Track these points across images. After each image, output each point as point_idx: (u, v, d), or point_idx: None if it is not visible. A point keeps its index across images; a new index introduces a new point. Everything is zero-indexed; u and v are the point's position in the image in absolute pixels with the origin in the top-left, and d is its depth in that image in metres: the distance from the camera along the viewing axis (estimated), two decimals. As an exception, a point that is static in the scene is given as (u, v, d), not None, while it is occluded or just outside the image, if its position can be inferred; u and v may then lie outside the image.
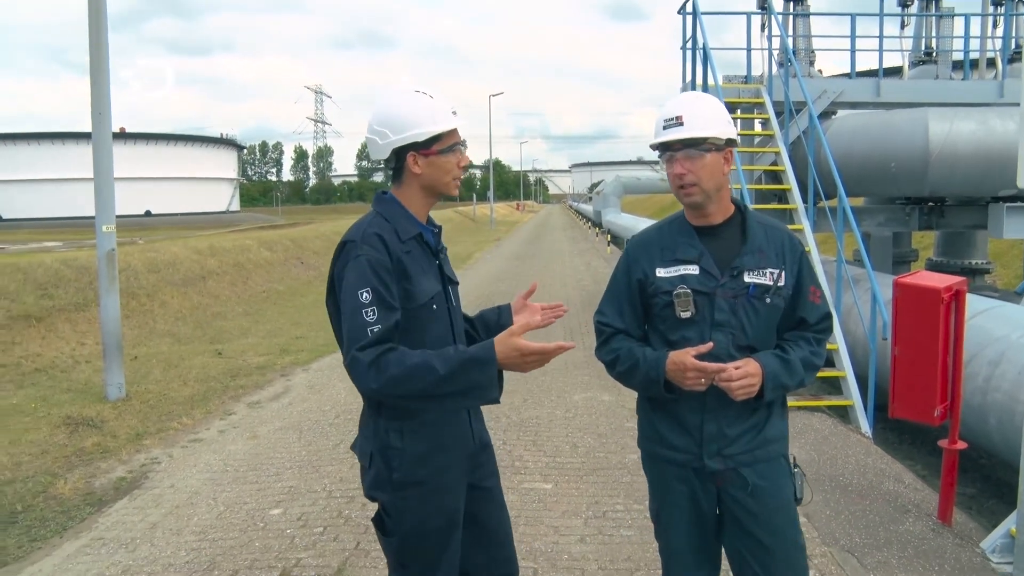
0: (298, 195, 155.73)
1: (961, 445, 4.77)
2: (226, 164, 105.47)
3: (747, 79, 10.83)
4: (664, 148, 2.49)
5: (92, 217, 8.10)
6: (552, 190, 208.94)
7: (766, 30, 10.88)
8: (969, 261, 11.06)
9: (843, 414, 7.37)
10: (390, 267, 2.32)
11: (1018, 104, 3.24)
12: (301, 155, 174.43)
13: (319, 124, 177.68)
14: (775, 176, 9.83)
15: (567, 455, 6.04)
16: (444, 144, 2.41)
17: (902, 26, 12.57)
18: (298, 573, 4.16)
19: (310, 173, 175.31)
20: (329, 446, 6.33)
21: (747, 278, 2.46)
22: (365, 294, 2.27)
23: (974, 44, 11.48)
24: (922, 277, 4.93)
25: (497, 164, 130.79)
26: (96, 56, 7.98)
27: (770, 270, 2.48)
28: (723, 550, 2.66)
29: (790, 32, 11.47)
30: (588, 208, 63.33)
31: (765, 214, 2.73)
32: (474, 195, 76.77)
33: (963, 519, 4.94)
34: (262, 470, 5.82)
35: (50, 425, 7.07)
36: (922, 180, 9.19)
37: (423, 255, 2.45)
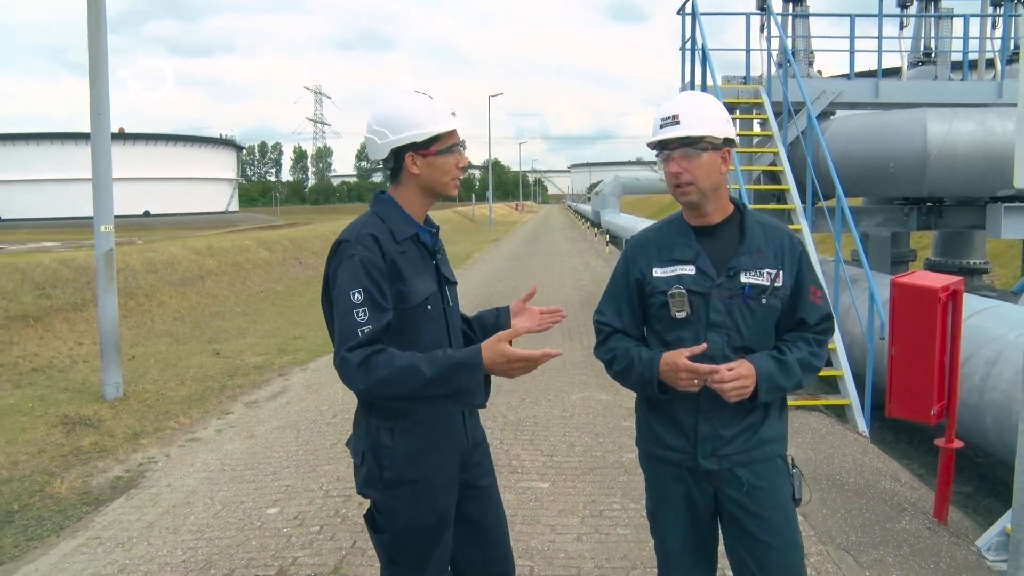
0: (297, 195, 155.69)
1: (957, 444, 4.78)
2: (225, 164, 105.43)
3: (746, 80, 10.84)
4: (661, 147, 2.48)
5: (91, 217, 8.10)
6: (551, 190, 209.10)
7: (765, 31, 10.90)
8: (967, 261, 11.07)
9: (840, 413, 7.38)
10: (383, 268, 2.33)
11: (1016, 104, 3.24)
12: (300, 155, 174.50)
13: (318, 124, 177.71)
14: (774, 176, 9.84)
15: (564, 454, 6.04)
16: (443, 145, 2.41)
17: (901, 27, 12.59)
18: (295, 572, 4.16)
19: (309, 173, 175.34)
20: (326, 445, 6.33)
21: (743, 278, 2.45)
22: (357, 294, 2.28)
23: (973, 45, 11.50)
24: (919, 277, 4.93)
25: (496, 164, 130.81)
26: (95, 56, 7.98)
27: (768, 270, 2.46)
28: (721, 549, 2.65)
29: (789, 33, 11.49)
30: (587, 208, 63.33)
31: (765, 214, 2.70)
32: (473, 195, 76.81)
33: (959, 517, 4.94)
34: (259, 469, 5.82)
35: (47, 424, 7.07)
36: (920, 180, 9.20)
37: (419, 256, 2.45)
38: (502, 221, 63.38)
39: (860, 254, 8.32)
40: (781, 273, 2.48)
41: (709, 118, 2.45)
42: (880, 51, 10.86)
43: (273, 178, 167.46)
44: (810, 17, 11.99)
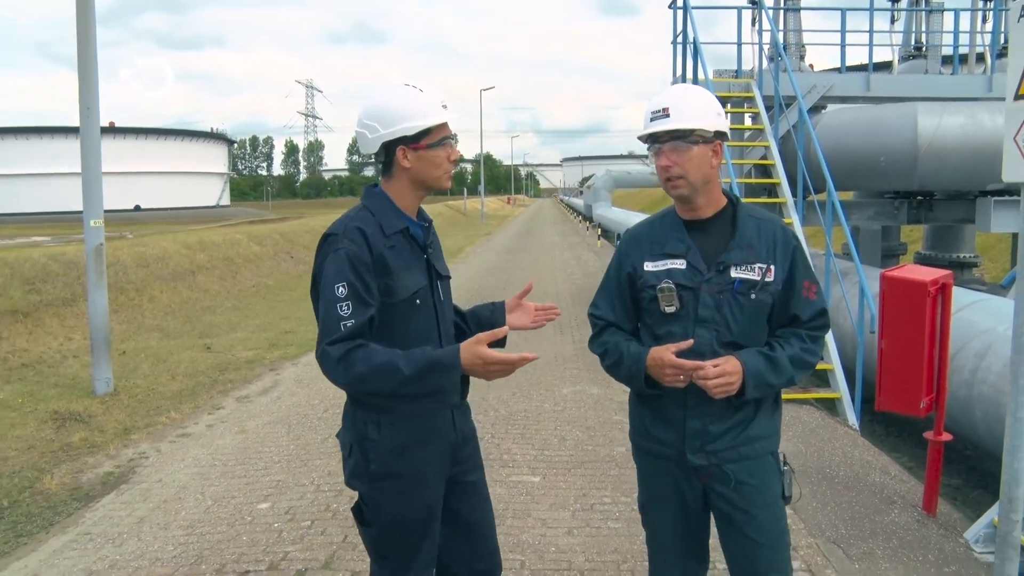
0: (288, 189, 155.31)
1: (946, 437, 4.80)
2: (216, 158, 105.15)
3: (737, 73, 10.84)
4: (651, 140, 2.47)
5: (80, 212, 8.06)
6: (543, 184, 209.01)
7: (757, 24, 10.89)
8: (957, 255, 11.11)
9: (831, 407, 7.41)
10: (369, 262, 2.33)
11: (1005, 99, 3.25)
12: (292, 149, 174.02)
13: (310, 118, 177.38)
14: (765, 170, 9.85)
15: (555, 448, 6.05)
16: (434, 138, 2.40)
17: (892, 21, 12.62)
18: (286, 566, 4.16)
19: (301, 167, 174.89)
20: (317, 440, 6.32)
21: (733, 273, 2.43)
22: (341, 288, 2.28)
23: (963, 39, 11.55)
24: (909, 270, 4.95)
25: (488, 158, 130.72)
26: (84, 50, 7.93)
27: (759, 265, 2.44)
28: (715, 543, 2.65)
29: (780, 27, 11.49)
30: (579, 202, 63.34)
31: (760, 207, 2.69)
32: (465, 189, 76.65)
33: (948, 510, 4.97)
34: (250, 464, 5.81)
35: (37, 420, 7.04)
36: (911, 174, 9.23)
37: (409, 250, 2.44)
38: (494, 215, 63.33)
39: (851, 248, 8.35)
40: (773, 268, 2.45)
41: (699, 111, 2.43)
42: (871, 45, 10.89)
43: (264, 172, 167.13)
44: (801, 11, 12.01)
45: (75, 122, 8.15)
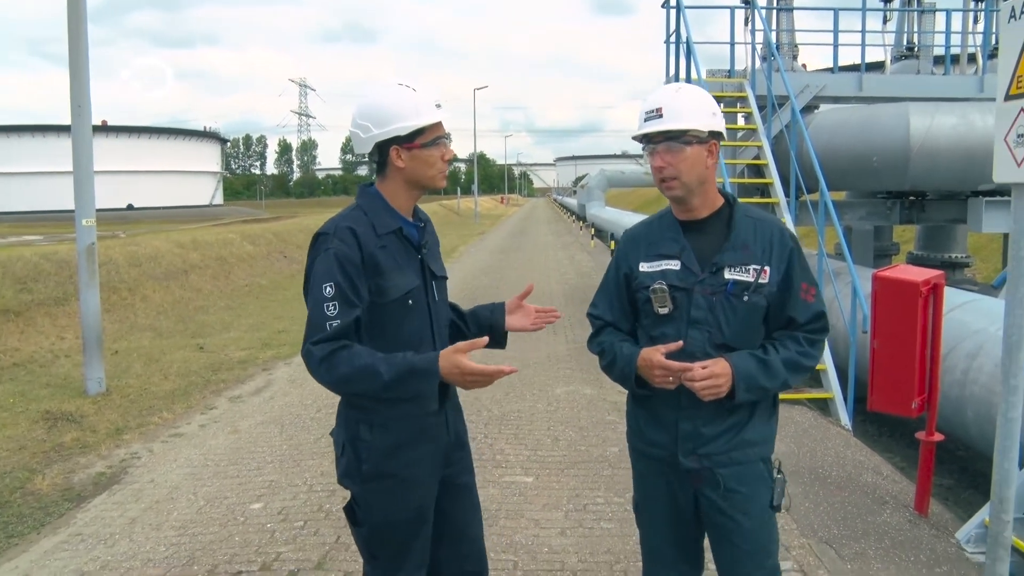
0: (282, 189, 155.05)
1: (938, 437, 4.82)
2: (209, 157, 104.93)
3: (730, 73, 10.86)
4: (646, 140, 2.45)
5: (73, 211, 8.03)
6: (537, 184, 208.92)
7: (749, 24, 10.91)
8: (949, 255, 11.15)
9: (823, 407, 7.42)
10: (358, 263, 2.33)
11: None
12: (285, 148, 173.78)
13: (303, 117, 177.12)
14: (758, 170, 9.87)
15: (548, 448, 6.05)
16: (427, 138, 2.40)
17: (884, 21, 12.68)
18: (278, 567, 4.15)
19: (294, 166, 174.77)
20: (310, 440, 6.31)
21: (727, 274, 2.41)
22: (328, 288, 2.29)
23: (955, 39, 11.57)
24: (901, 271, 4.96)
25: (482, 158, 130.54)
26: (75, 48, 7.90)
27: (753, 266, 2.41)
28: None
29: (773, 26, 11.52)
30: (572, 202, 63.31)
31: (758, 208, 2.67)
32: (458, 189, 76.66)
33: (939, 510, 4.99)
34: (243, 464, 5.80)
35: (28, 420, 7.01)
36: (903, 174, 9.25)
37: (402, 250, 2.44)
38: (487, 214, 63.31)
39: (843, 248, 8.36)
40: (768, 269, 2.41)
41: (693, 111, 2.40)
42: (863, 45, 10.93)
43: (258, 171, 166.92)
44: (794, 11, 12.04)
45: (67, 120, 8.12)
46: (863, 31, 10.88)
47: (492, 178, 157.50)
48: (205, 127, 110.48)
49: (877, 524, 4.65)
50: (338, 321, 2.27)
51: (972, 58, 11.95)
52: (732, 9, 10.89)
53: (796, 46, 11.89)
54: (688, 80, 9.98)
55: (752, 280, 2.40)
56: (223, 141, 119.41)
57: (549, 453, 5.94)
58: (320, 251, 2.36)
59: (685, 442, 2.46)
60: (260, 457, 5.95)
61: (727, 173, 9.11)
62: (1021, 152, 3.07)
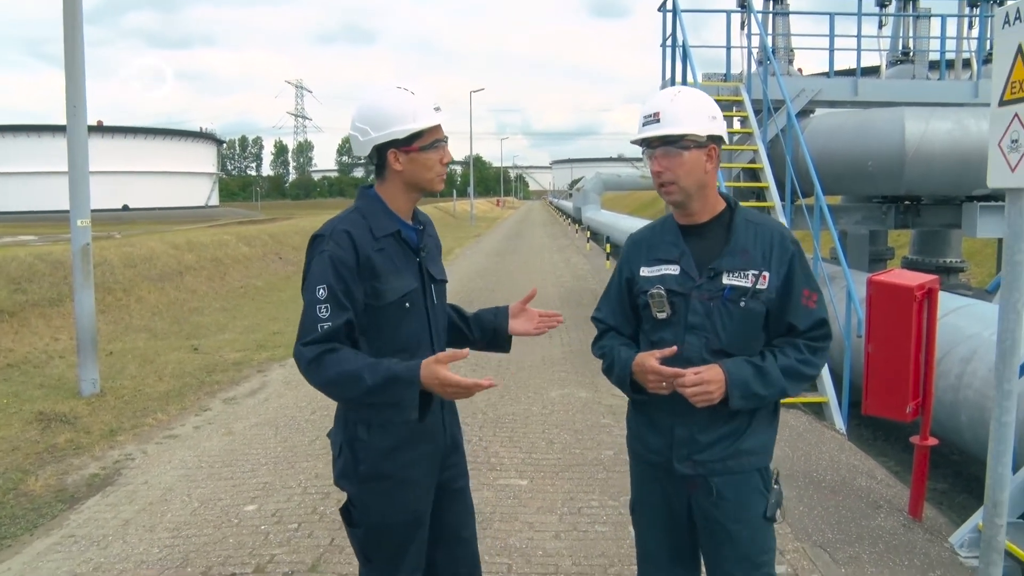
0: (278, 190, 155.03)
1: (932, 441, 4.82)
2: (205, 158, 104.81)
3: (726, 77, 10.89)
4: (644, 145, 2.45)
5: (68, 211, 8.01)
6: (532, 186, 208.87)
7: (746, 28, 10.94)
8: (944, 259, 11.18)
9: (818, 410, 7.43)
10: (353, 266, 2.33)
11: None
12: (281, 150, 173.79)
13: (300, 119, 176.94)
14: (753, 174, 9.88)
15: (543, 451, 6.04)
16: (425, 141, 2.40)
17: (880, 26, 12.71)
18: (272, 569, 4.14)
19: (290, 168, 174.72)
20: (305, 442, 6.30)
21: (725, 280, 2.38)
22: (321, 290, 2.30)
23: (950, 45, 11.62)
24: (895, 275, 4.97)
25: (478, 160, 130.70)
26: (71, 48, 7.89)
27: (751, 272, 2.38)
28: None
29: (769, 31, 11.56)
30: (568, 205, 63.40)
31: (760, 212, 2.65)
32: (454, 191, 76.59)
33: (933, 514, 5.00)
34: (237, 466, 5.79)
35: (22, 421, 6.99)
36: (898, 179, 9.28)
37: (400, 252, 2.44)
38: (483, 217, 63.30)
39: (838, 252, 8.38)
40: (767, 275, 2.38)
41: (690, 116, 2.38)
42: (859, 50, 10.97)
43: (254, 172, 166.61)
44: (790, 15, 12.08)
45: (62, 121, 8.10)
46: (859, 36, 10.92)
47: (488, 181, 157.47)
48: (201, 128, 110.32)
49: (871, 528, 4.66)
50: (329, 323, 2.28)
51: (967, 63, 12.00)
52: (728, 13, 10.92)
53: (792, 50, 11.94)
54: (684, 84, 9.99)
55: (750, 286, 2.37)
56: (219, 142, 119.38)
57: (543, 456, 5.94)
58: (316, 253, 2.38)
59: (680, 448, 2.44)
60: (254, 459, 5.94)
61: (722, 177, 9.13)
62: (1015, 157, 3.08)
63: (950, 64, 11.72)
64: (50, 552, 4.42)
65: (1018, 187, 3.13)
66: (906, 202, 10.46)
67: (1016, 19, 3.06)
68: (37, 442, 6.45)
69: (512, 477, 5.49)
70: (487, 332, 2.71)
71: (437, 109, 2.41)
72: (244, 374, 8.98)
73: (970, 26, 12.02)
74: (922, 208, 10.47)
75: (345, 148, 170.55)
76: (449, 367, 2.23)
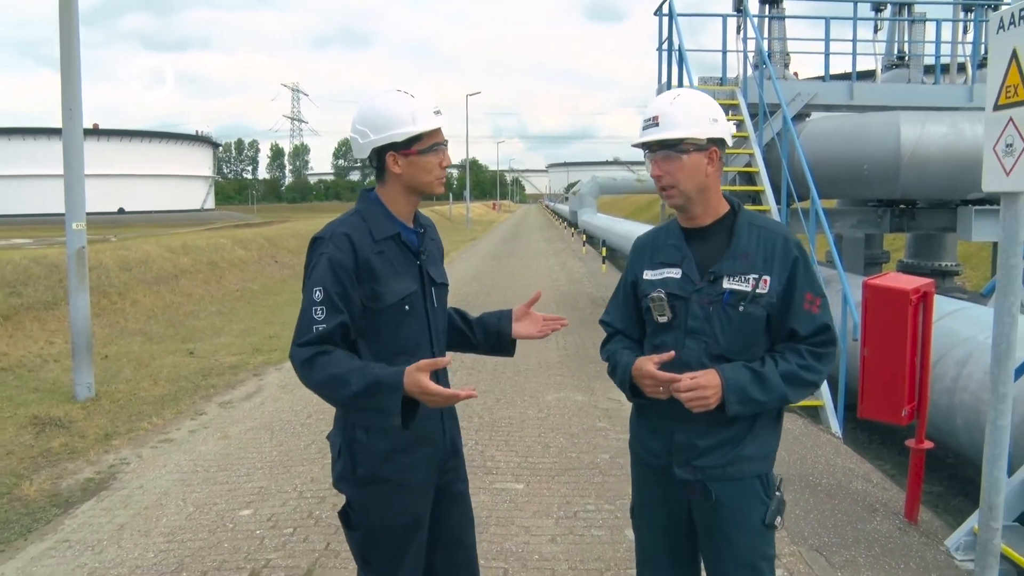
0: (274, 193, 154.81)
1: (928, 445, 4.83)
2: (201, 162, 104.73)
3: (722, 81, 10.89)
4: (645, 148, 2.44)
5: (63, 214, 8.00)
6: (529, 190, 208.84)
7: (741, 32, 10.96)
8: (939, 263, 11.19)
9: (814, 414, 7.43)
10: (351, 268, 2.34)
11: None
12: (277, 153, 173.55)
13: (296, 122, 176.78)
14: (749, 178, 9.90)
15: (539, 455, 6.04)
16: (424, 144, 2.40)
17: (875, 30, 12.74)
18: (267, 574, 4.13)
19: (286, 171, 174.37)
20: (301, 446, 6.29)
21: (725, 284, 2.36)
22: (317, 292, 2.31)
23: (945, 49, 11.64)
24: (891, 279, 4.98)
25: (474, 163, 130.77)
26: (67, 51, 7.88)
27: (752, 276, 2.35)
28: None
29: (765, 35, 11.57)
30: (564, 208, 63.43)
31: (764, 215, 2.62)
32: (451, 195, 76.59)
33: (929, 517, 5.00)
34: (232, 471, 5.77)
35: (16, 425, 6.97)
36: (894, 182, 9.30)
37: (400, 255, 2.45)
38: (479, 220, 63.33)
39: (834, 255, 8.39)
40: (768, 279, 2.35)
41: (689, 119, 2.36)
42: (855, 54, 10.98)
43: (250, 176, 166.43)
44: (786, 19, 12.09)
45: (58, 123, 8.09)
46: (854, 40, 10.94)
47: (484, 184, 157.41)
48: (197, 131, 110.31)
49: (867, 532, 4.66)
50: (324, 325, 2.29)
51: (962, 68, 12.02)
52: (724, 17, 10.94)
53: (788, 54, 11.94)
54: (680, 87, 10.00)
55: (749, 290, 2.35)
56: (215, 145, 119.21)
57: (540, 460, 5.93)
58: (315, 255, 2.39)
59: (679, 453, 2.43)
60: (250, 463, 5.93)
61: (719, 180, 9.13)
62: (1010, 161, 3.09)
63: (945, 68, 11.74)
64: (44, 557, 4.40)
65: (1013, 191, 3.14)
66: (901, 206, 10.48)
67: (1011, 24, 3.07)
68: (31, 446, 6.43)
69: (508, 481, 5.49)
70: (490, 335, 2.71)
71: (437, 113, 2.42)
72: (240, 378, 8.97)
73: (965, 31, 12.05)
74: (917, 212, 10.49)
75: (341, 151, 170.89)
76: (430, 374, 2.21)
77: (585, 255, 27.17)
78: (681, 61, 10.25)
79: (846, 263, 9.94)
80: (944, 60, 11.61)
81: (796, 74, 12.08)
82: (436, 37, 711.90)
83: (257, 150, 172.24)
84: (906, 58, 12.08)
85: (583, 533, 4.61)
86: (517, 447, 6.24)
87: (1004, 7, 3.18)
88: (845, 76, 11.56)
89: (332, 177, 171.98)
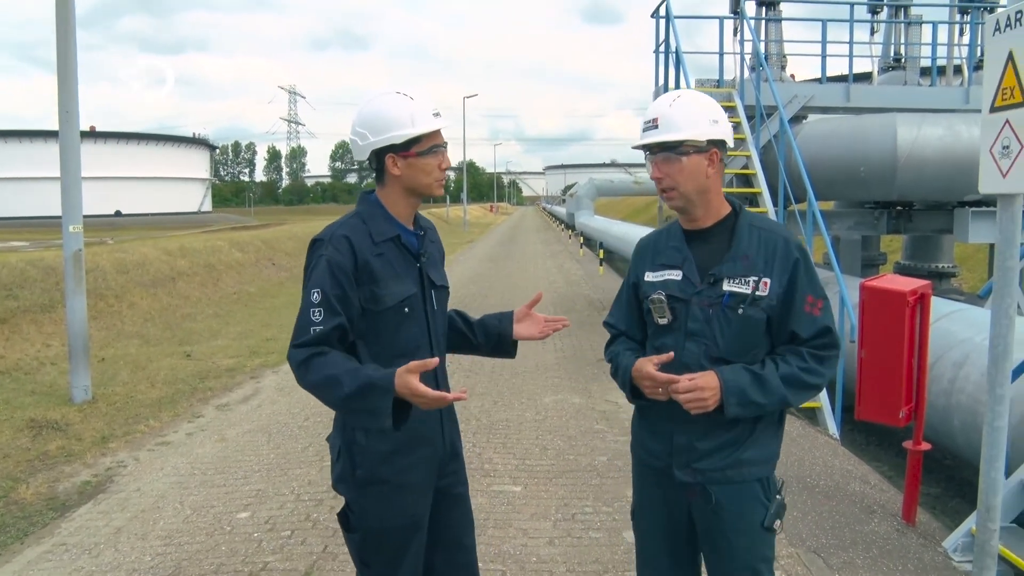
0: (271, 196, 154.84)
1: (925, 446, 4.83)
2: (198, 164, 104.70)
3: (719, 83, 10.92)
4: (646, 150, 2.44)
5: (60, 217, 7.99)
6: (526, 192, 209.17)
7: (738, 35, 10.99)
8: (936, 265, 11.22)
9: (811, 416, 7.44)
10: (350, 271, 2.34)
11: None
12: (274, 155, 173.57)
13: (293, 124, 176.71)
14: (746, 180, 9.92)
15: (536, 457, 6.04)
16: (423, 146, 2.40)
17: (872, 32, 12.78)
18: (265, 577, 4.13)
19: (283, 174, 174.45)
20: (298, 449, 6.28)
21: (725, 286, 2.35)
22: (315, 294, 2.32)
23: (941, 51, 11.68)
24: (888, 280, 4.98)
25: (471, 166, 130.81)
26: (64, 53, 7.87)
27: (752, 278, 2.34)
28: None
29: (762, 37, 11.59)
30: (561, 210, 63.50)
31: (766, 217, 2.61)
32: (448, 197, 76.60)
33: (927, 519, 5.01)
34: (230, 473, 5.76)
35: (13, 428, 6.95)
36: (890, 184, 9.32)
37: (399, 257, 2.45)
38: (476, 223, 63.37)
39: (831, 257, 8.40)
40: (768, 281, 2.34)
41: (688, 121, 2.35)
42: (851, 56, 11.01)
43: (247, 178, 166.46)
44: (783, 22, 12.12)
45: (55, 126, 8.08)
46: (851, 42, 10.96)
47: (481, 186, 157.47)
48: (194, 133, 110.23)
49: (865, 533, 4.66)
50: (321, 327, 2.30)
51: (958, 70, 12.06)
52: (721, 19, 10.97)
53: (784, 56, 11.97)
54: (678, 89, 10.01)
55: (749, 292, 2.34)
56: (212, 148, 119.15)
57: (537, 462, 5.93)
58: (315, 257, 2.39)
59: (679, 455, 2.42)
60: (247, 466, 5.92)
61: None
62: (1006, 163, 3.10)
63: (941, 70, 11.78)
64: (41, 561, 4.39)
65: (1009, 192, 3.15)
66: (898, 207, 10.51)
67: (1007, 26, 3.08)
68: (28, 449, 6.42)
69: (506, 483, 5.48)
70: (492, 337, 2.71)
71: (436, 115, 2.42)
72: (237, 380, 8.95)
73: (961, 33, 12.11)
74: (914, 213, 10.51)
75: (338, 154, 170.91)
76: (420, 376, 2.21)
77: (582, 257, 27.18)
78: (678, 63, 10.26)
79: (843, 265, 9.95)
80: (940, 62, 11.65)
81: (793, 76, 12.11)
82: (434, 39, 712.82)
83: (254, 152, 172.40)
84: (902, 60, 12.13)
85: (581, 535, 4.60)
86: (515, 449, 6.24)
87: (1000, 9, 3.19)
88: (842, 78, 11.58)
89: (329, 179, 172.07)
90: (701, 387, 2.27)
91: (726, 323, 2.35)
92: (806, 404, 7.47)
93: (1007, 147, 3.09)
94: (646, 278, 2.50)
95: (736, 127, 10.23)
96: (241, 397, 8.18)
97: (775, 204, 9.13)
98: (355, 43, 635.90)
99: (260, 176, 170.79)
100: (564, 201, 68.89)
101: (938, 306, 6.48)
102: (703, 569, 2.61)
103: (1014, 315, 3.20)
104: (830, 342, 2.38)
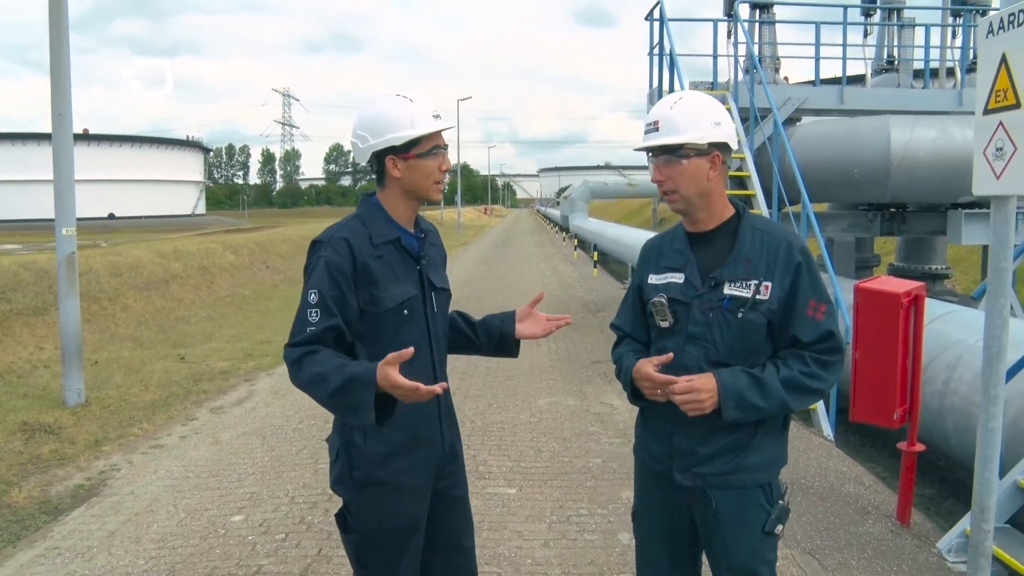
0: (265, 198, 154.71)
1: (919, 447, 4.84)
2: (192, 167, 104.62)
3: (713, 85, 10.94)
4: (647, 152, 2.43)
5: (53, 219, 7.97)
6: (520, 194, 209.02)
7: (732, 37, 11.01)
8: (929, 266, 11.26)
9: (806, 417, 7.44)
10: (348, 273, 2.35)
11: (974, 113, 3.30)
12: (268, 158, 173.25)
13: (287, 127, 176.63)
14: (740, 182, 9.93)
15: (531, 459, 6.03)
16: (423, 148, 2.40)
17: (865, 35, 12.81)
18: (259, 580, 4.11)
19: (277, 176, 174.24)
20: (292, 451, 6.27)
21: (726, 289, 2.33)
22: (313, 295, 2.33)
23: (934, 54, 11.73)
24: (882, 282, 4.99)
25: (465, 168, 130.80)
26: (56, 56, 7.85)
27: (753, 281, 2.32)
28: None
29: (756, 39, 11.61)
30: (556, 213, 63.54)
31: (770, 220, 2.60)
32: (442, 200, 76.69)
33: (921, 520, 5.01)
34: (224, 476, 5.75)
35: (5, 432, 6.92)
36: (884, 186, 9.35)
37: (399, 260, 2.45)
38: (471, 225, 63.33)
39: (825, 259, 8.42)
40: (769, 285, 2.32)
41: (689, 124, 2.33)
42: (844, 59, 11.04)
43: (240, 181, 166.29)
44: (776, 24, 12.14)
45: (48, 129, 8.06)
46: (844, 45, 10.99)
47: (475, 189, 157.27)
48: (188, 136, 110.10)
49: (859, 534, 4.67)
50: (316, 327, 2.31)
51: (951, 72, 12.11)
52: (715, 22, 10.99)
53: (778, 59, 12.00)
54: (671, 92, 10.03)
55: (749, 296, 2.32)
56: (206, 150, 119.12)
57: (532, 464, 5.93)
58: (314, 259, 2.40)
59: (680, 458, 2.41)
60: (241, 469, 5.90)
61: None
62: (999, 165, 3.10)
63: (934, 73, 11.83)
64: (33, 564, 4.37)
65: (1003, 194, 3.16)
66: (892, 209, 10.54)
67: (999, 28, 3.09)
68: (21, 452, 6.39)
69: (501, 485, 5.48)
70: (494, 337, 2.71)
71: (436, 116, 2.42)
72: (231, 383, 8.93)
73: (953, 35, 12.15)
74: (908, 215, 10.55)
75: (332, 156, 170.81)
76: (399, 368, 2.20)
77: (576, 259, 27.19)
78: (672, 66, 10.28)
79: (837, 267, 9.98)
80: (933, 64, 11.70)
81: (787, 78, 12.14)
82: (428, 42, 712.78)
83: (248, 155, 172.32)
84: (896, 63, 12.16)
85: (576, 537, 4.60)
86: (509, 451, 6.23)
87: (992, 12, 3.20)
88: (835, 80, 11.61)
89: (323, 182, 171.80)
90: (697, 389, 2.25)
91: (726, 327, 2.34)
92: (800, 406, 7.46)
93: (1000, 149, 3.10)
94: (649, 280, 2.50)
95: (730, 129, 10.26)
96: (235, 400, 8.16)
97: (769, 206, 9.15)
98: (349, 46, 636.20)
99: (254, 179, 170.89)
100: (558, 203, 68.98)
101: (932, 308, 6.51)
102: (703, 569, 2.61)
103: (1007, 316, 3.21)
104: (833, 346, 2.35)
